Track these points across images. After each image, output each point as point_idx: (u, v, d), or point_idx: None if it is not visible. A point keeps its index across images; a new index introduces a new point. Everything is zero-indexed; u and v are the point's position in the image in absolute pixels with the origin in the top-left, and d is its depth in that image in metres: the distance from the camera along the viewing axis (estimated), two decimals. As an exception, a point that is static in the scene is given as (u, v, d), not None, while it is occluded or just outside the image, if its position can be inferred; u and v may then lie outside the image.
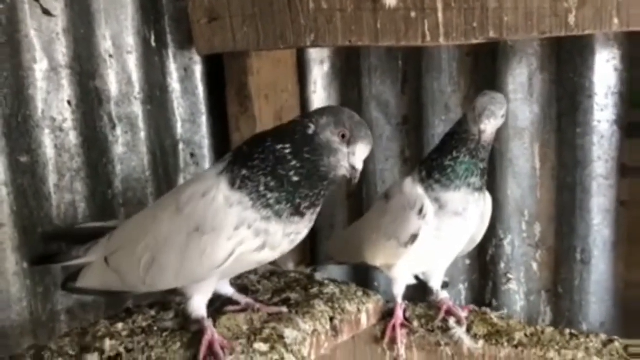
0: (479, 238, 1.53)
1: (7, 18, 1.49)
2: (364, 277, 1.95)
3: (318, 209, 1.24)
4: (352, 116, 1.21)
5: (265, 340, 1.29)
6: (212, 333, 1.26)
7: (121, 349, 1.25)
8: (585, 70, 1.57)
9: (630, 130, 1.60)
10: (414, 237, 1.39)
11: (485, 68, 1.71)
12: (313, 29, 1.52)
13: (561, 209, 1.68)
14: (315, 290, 1.57)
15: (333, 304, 1.49)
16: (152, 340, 1.29)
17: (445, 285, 1.86)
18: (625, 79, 1.57)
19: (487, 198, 1.47)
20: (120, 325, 1.36)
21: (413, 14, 1.39)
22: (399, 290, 1.54)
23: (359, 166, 1.18)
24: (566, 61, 1.61)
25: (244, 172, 1.19)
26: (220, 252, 1.17)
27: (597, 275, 1.63)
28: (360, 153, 1.18)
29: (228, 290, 1.43)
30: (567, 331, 1.45)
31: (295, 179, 1.17)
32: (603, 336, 1.43)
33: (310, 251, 2.04)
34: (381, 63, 1.87)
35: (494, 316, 1.52)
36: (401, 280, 1.54)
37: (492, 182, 1.73)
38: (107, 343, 1.26)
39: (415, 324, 1.54)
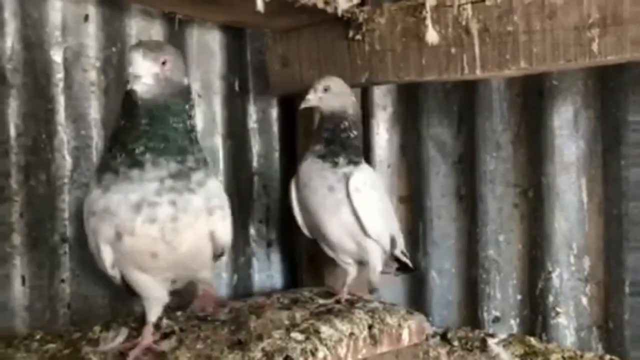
0: (364, 220, 1.57)
1: (118, 60, 1.82)
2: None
3: (167, 163, 1.21)
4: None
5: (302, 332, 1.42)
6: (145, 341, 1.34)
7: (175, 328, 1.43)
8: (628, 105, 1.62)
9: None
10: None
11: (533, 107, 1.81)
12: (367, 68, 1.72)
13: (609, 242, 1.68)
14: (360, 304, 1.67)
15: (373, 314, 1.58)
16: (204, 325, 1.46)
17: (496, 320, 1.89)
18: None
19: (351, 177, 1.55)
20: (179, 313, 1.55)
21: (453, 50, 1.55)
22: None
23: (130, 70, 1.21)
24: (609, 98, 1.68)
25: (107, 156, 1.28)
26: (94, 247, 1.28)
27: (647, 308, 1.60)
28: (131, 59, 1.22)
29: None
30: (608, 357, 1.44)
31: (122, 121, 1.25)
32: (644, 362, 1.40)
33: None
34: (438, 106, 2.02)
35: (532, 339, 1.54)
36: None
37: (540, 215, 1.78)
38: (164, 321, 1.45)
39: (456, 343, 1.60)
